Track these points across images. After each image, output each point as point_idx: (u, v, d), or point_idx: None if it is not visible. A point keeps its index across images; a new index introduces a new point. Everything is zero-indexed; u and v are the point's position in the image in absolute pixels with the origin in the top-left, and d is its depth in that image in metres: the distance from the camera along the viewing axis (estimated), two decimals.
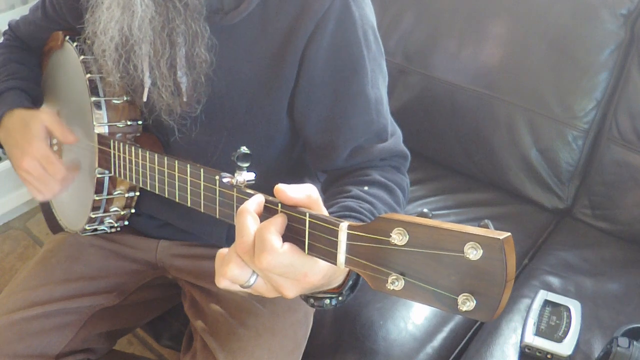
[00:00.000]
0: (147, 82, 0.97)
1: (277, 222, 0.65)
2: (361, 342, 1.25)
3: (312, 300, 0.76)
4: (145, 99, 0.99)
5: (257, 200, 0.68)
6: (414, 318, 1.31)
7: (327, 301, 0.75)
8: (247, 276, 0.66)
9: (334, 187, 0.99)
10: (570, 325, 1.24)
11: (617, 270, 1.45)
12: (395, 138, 1.03)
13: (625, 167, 1.51)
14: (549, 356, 1.20)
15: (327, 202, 0.93)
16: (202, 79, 0.95)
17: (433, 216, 0.56)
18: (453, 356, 1.30)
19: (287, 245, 0.64)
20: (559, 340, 1.22)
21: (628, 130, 1.49)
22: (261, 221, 0.66)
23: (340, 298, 0.75)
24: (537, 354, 1.21)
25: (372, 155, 1.00)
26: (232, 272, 0.66)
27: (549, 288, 1.37)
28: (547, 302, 1.30)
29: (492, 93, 1.62)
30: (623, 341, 1.13)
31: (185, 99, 0.97)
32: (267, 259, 0.62)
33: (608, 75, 1.50)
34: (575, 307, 1.28)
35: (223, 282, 0.67)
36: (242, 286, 0.67)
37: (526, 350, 1.22)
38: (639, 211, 1.51)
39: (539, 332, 1.23)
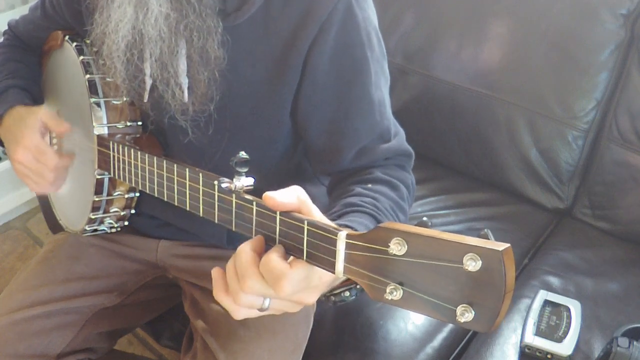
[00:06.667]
0: (161, 81, 0.95)
1: (276, 250, 0.66)
2: (361, 342, 1.25)
3: (333, 298, 0.76)
4: (161, 99, 0.97)
5: (258, 243, 0.70)
6: (414, 318, 1.31)
7: (347, 294, 0.76)
8: (260, 302, 0.69)
9: (338, 189, 0.99)
10: (570, 325, 1.24)
11: (617, 270, 1.45)
12: (399, 138, 1.03)
13: (625, 167, 1.51)
14: (549, 356, 1.20)
15: (332, 203, 0.93)
16: (216, 75, 0.93)
17: (432, 225, 0.56)
18: (453, 356, 1.30)
19: (292, 262, 0.66)
20: (559, 340, 1.22)
21: (628, 130, 1.49)
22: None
23: (358, 286, 0.75)
24: (537, 354, 1.21)
25: (377, 155, 0.99)
26: (245, 302, 0.68)
27: (549, 288, 1.37)
28: (547, 302, 1.30)
29: (492, 93, 1.61)
30: (623, 341, 1.13)
31: (198, 97, 0.95)
32: (285, 285, 0.64)
33: (608, 75, 1.50)
34: (575, 307, 1.28)
35: (239, 314, 0.70)
36: (259, 310, 0.69)
37: (526, 350, 1.22)
38: (639, 211, 1.51)
39: (539, 332, 1.23)
